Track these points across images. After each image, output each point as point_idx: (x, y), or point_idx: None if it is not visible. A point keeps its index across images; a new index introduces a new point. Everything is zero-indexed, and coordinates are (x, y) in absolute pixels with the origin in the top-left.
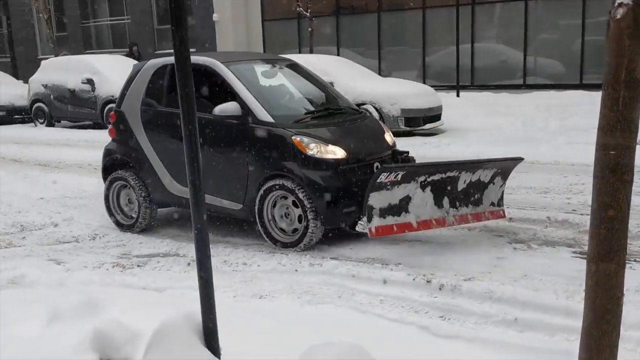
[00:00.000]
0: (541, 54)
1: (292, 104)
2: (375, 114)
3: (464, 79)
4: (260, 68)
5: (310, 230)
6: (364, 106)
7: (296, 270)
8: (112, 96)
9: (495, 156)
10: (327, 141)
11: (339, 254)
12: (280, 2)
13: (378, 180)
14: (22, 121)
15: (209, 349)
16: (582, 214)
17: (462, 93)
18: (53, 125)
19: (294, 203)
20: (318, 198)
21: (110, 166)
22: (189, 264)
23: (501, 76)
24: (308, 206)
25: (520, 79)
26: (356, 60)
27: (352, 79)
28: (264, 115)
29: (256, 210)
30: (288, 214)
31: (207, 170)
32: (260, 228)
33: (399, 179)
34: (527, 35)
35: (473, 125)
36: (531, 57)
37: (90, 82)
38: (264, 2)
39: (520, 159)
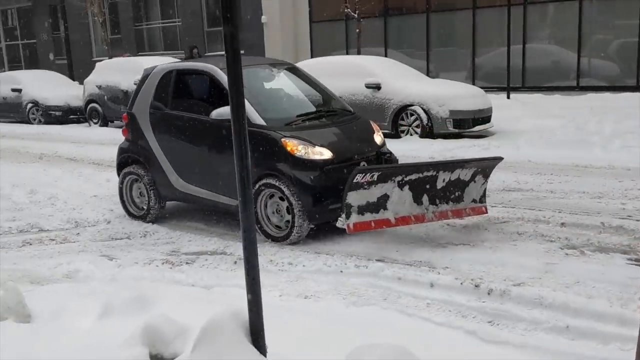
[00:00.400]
0: (596, 55)
1: (284, 107)
2: (423, 116)
3: (515, 81)
4: (258, 73)
5: (297, 225)
6: (412, 107)
7: (341, 272)
8: None
9: (546, 160)
10: (314, 143)
11: (384, 256)
12: (328, 3)
13: (354, 181)
14: (77, 121)
15: (256, 347)
16: (637, 220)
17: (512, 95)
18: (106, 125)
19: (283, 200)
20: (305, 196)
21: (123, 163)
22: (235, 262)
23: (554, 77)
24: (295, 204)
25: (574, 81)
26: (404, 61)
27: (399, 79)
28: (256, 118)
29: (256, 207)
30: (279, 210)
31: (208, 168)
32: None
33: (375, 179)
34: (581, 35)
35: (524, 128)
36: (585, 58)
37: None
38: (312, 4)
39: (500, 159)
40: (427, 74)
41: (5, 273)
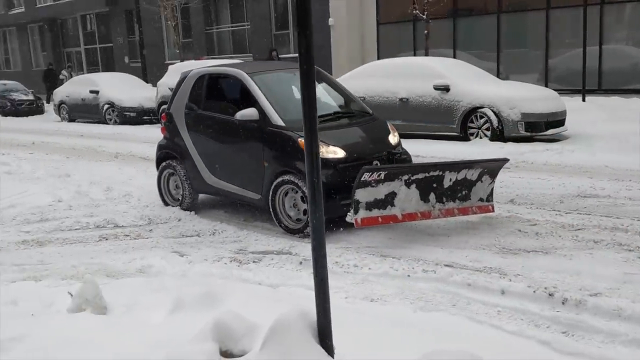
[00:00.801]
0: None
1: (299, 110)
2: (494, 118)
3: (591, 83)
4: (282, 77)
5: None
6: (482, 110)
7: (408, 276)
8: None
9: (624, 165)
10: (329, 143)
11: (453, 262)
12: (396, 5)
13: (362, 179)
14: (150, 122)
15: (323, 348)
16: None
17: (588, 97)
18: None
19: (298, 195)
20: (331, 191)
21: (162, 158)
22: (301, 262)
23: (632, 80)
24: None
25: None
26: (473, 62)
27: (469, 81)
28: (277, 119)
29: (270, 200)
30: (296, 205)
31: (234, 165)
32: (272, 215)
33: (382, 178)
34: None
35: (600, 132)
36: None
37: None
38: (380, 6)
39: (506, 160)
40: (497, 76)
41: (83, 266)
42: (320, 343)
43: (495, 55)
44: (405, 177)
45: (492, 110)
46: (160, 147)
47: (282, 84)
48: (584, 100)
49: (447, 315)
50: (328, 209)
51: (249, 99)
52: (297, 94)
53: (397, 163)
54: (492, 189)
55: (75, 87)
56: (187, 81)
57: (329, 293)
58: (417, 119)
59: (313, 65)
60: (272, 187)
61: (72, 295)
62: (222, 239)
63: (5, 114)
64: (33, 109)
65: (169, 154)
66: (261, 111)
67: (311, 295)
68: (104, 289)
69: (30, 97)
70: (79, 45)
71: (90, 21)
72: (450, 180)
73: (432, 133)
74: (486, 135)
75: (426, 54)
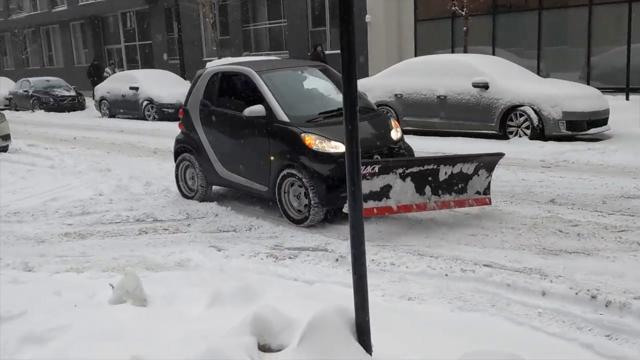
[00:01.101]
0: None
1: (308, 105)
2: (534, 117)
3: (635, 81)
4: (288, 75)
5: (313, 211)
6: (522, 108)
7: (446, 275)
8: None
9: None
10: (330, 138)
11: (492, 262)
12: (435, 1)
13: None
14: None
15: (361, 345)
16: None
17: (632, 96)
18: None
19: (302, 187)
20: (320, 184)
21: (179, 152)
22: (337, 259)
23: None
24: (311, 191)
25: None
26: (512, 60)
27: (508, 79)
28: (282, 115)
29: (276, 193)
30: (299, 196)
31: (243, 158)
32: (279, 206)
33: (376, 171)
34: None
35: None
36: None
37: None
38: (417, 2)
39: (501, 155)
40: (538, 74)
41: (124, 259)
42: (358, 340)
43: (535, 53)
44: (400, 170)
45: (533, 109)
46: (177, 142)
47: (289, 82)
48: (627, 98)
49: (486, 315)
50: (330, 200)
51: (256, 96)
52: (303, 92)
53: (397, 157)
54: (489, 182)
55: (116, 83)
56: (202, 79)
57: (368, 291)
58: (455, 116)
59: (355, 61)
60: (278, 180)
61: (113, 287)
62: (258, 234)
63: (48, 110)
64: (75, 104)
65: (185, 148)
66: (268, 108)
67: (348, 292)
68: (144, 282)
69: (72, 93)
70: (119, 42)
71: (130, 19)
72: (446, 173)
73: (470, 131)
74: (526, 134)
75: (465, 51)
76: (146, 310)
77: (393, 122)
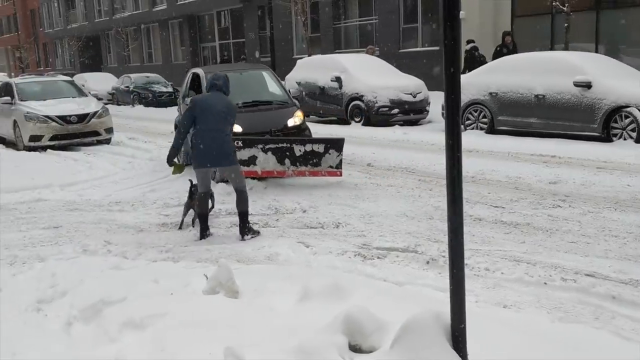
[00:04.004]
0: None
1: (234, 99)
2: None
3: None
4: (230, 74)
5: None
6: (627, 109)
7: (545, 284)
8: (357, 93)
9: None
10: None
11: (594, 271)
12: None
13: None
14: None
15: (456, 351)
16: None
17: None
18: None
19: None
20: None
21: (175, 127)
22: (427, 262)
23: None
24: None
25: None
26: (617, 58)
27: (613, 78)
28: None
29: None
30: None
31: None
32: None
33: (241, 145)
34: None
35: None
36: None
37: (338, 80)
38: None
39: (342, 139)
40: None
41: (216, 250)
42: (453, 347)
43: None
44: (260, 145)
45: None
46: (176, 124)
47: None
48: None
49: (589, 328)
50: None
51: (200, 90)
52: (234, 88)
53: (289, 137)
54: (340, 160)
55: None
56: (187, 78)
57: (465, 296)
58: (554, 116)
59: (459, 56)
60: None
61: (207, 277)
62: (346, 232)
63: (147, 105)
64: (172, 100)
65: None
66: None
67: (439, 296)
68: (236, 274)
69: (170, 89)
70: (214, 40)
71: (224, 17)
72: (300, 150)
73: (570, 132)
74: (631, 137)
75: (565, 49)
76: (238, 302)
77: (297, 113)
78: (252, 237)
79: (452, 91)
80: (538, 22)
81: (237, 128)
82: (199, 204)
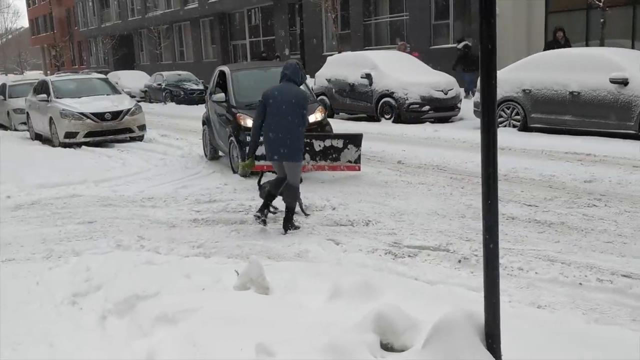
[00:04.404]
0: None
1: (255, 96)
2: None
3: None
4: (249, 72)
5: (236, 161)
6: None
7: (580, 284)
8: (387, 90)
9: None
10: (249, 116)
11: (631, 272)
12: None
13: (247, 140)
14: None
15: (490, 352)
16: None
17: None
18: (332, 117)
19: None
20: (240, 146)
21: (203, 123)
22: (459, 261)
23: None
24: (240, 149)
25: None
26: None
27: None
28: (233, 101)
29: (229, 152)
30: (239, 156)
31: (220, 132)
32: (231, 162)
33: (262, 140)
34: None
35: None
36: None
37: (368, 77)
38: None
39: (361, 134)
40: None
41: (247, 247)
42: (487, 347)
43: None
44: None
45: None
46: (203, 120)
47: (246, 78)
48: None
49: (626, 331)
50: (242, 154)
51: (226, 87)
52: (255, 85)
53: (308, 133)
54: (359, 155)
55: None
56: (214, 75)
57: (499, 296)
58: (589, 114)
59: (495, 56)
60: (229, 143)
61: (238, 273)
62: (376, 230)
63: (179, 102)
64: (203, 97)
65: (205, 123)
66: (228, 95)
67: (472, 295)
68: (266, 270)
69: (201, 86)
70: (244, 38)
71: (255, 15)
72: (320, 146)
73: (605, 130)
74: None
75: (601, 45)
76: (269, 299)
77: (318, 109)
78: (293, 230)
79: (488, 88)
80: (572, 18)
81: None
82: (285, 195)
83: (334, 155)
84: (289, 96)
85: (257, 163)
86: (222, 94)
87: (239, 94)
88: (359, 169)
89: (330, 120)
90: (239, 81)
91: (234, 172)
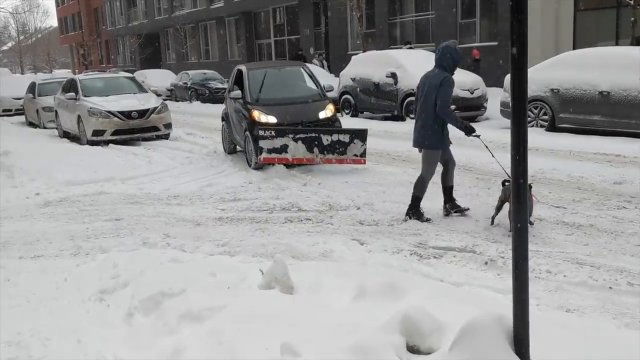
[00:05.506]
0: None
1: (269, 93)
2: None
3: None
4: (266, 70)
5: (253, 156)
6: None
7: (610, 288)
8: (413, 89)
9: None
10: (268, 113)
11: None
12: None
13: (260, 134)
14: None
15: (519, 356)
16: None
17: None
18: (357, 116)
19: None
20: (254, 141)
21: (222, 119)
22: (486, 262)
23: None
24: (252, 144)
25: None
26: None
27: None
28: (249, 98)
29: (244, 147)
30: (252, 150)
31: (236, 126)
32: (246, 155)
33: (273, 134)
34: None
35: None
36: None
37: (393, 76)
38: None
39: (366, 130)
40: None
41: (271, 246)
42: (515, 351)
43: None
44: (291, 135)
45: None
46: (223, 115)
47: (262, 76)
48: None
49: None
50: (256, 150)
51: (243, 84)
52: (271, 83)
53: (317, 128)
54: (364, 149)
55: None
56: (232, 74)
57: (528, 299)
58: (619, 114)
59: (526, 51)
60: (244, 137)
61: (262, 272)
62: (401, 230)
63: (204, 101)
64: None
65: (225, 119)
66: (244, 92)
67: (499, 298)
68: (291, 269)
69: (226, 85)
70: (269, 37)
71: (280, 14)
72: (327, 140)
73: (635, 131)
74: None
75: (632, 44)
76: (293, 298)
77: (329, 106)
78: (426, 220)
79: (519, 88)
80: (602, 16)
81: (271, 119)
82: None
83: (340, 149)
84: (429, 82)
85: (268, 156)
86: (239, 91)
87: (254, 91)
88: (364, 162)
89: (355, 120)
90: (254, 79)
91: (249, 165)
